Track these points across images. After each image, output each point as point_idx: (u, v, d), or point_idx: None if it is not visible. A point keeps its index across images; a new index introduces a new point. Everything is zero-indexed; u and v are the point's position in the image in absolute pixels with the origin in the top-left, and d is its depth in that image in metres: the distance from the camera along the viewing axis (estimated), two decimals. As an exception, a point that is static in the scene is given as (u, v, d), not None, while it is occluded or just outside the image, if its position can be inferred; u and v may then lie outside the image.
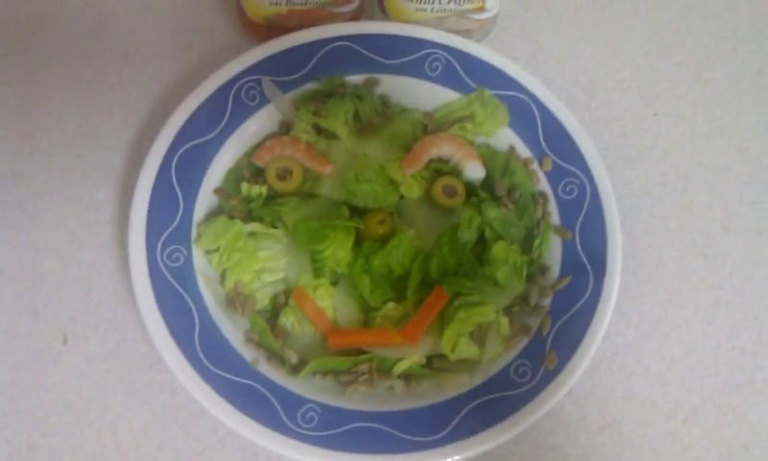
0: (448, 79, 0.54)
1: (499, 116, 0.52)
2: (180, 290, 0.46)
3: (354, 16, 0.57)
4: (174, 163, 0.49)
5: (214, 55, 0.59)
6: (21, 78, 0.57)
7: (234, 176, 0.51)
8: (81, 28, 0.59)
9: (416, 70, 0.54)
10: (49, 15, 0.60)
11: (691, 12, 0.63)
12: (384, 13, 0.56)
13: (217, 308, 0.47)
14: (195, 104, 0.51)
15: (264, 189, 0.49)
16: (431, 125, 0.53)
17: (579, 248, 0.49)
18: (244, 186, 0.49)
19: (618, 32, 0.62)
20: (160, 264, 0.46)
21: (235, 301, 0.47)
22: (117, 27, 0.60)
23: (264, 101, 0.53)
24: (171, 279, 0.46)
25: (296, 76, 0.53)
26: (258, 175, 0.51)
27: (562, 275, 0.48)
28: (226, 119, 0.51)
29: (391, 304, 0.48)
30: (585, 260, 0.48)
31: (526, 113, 0.53)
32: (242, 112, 0.52)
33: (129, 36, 0.59)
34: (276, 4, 0.54)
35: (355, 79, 0.54)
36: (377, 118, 0.52)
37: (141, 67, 0.58)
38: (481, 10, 0.55)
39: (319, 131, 0.52)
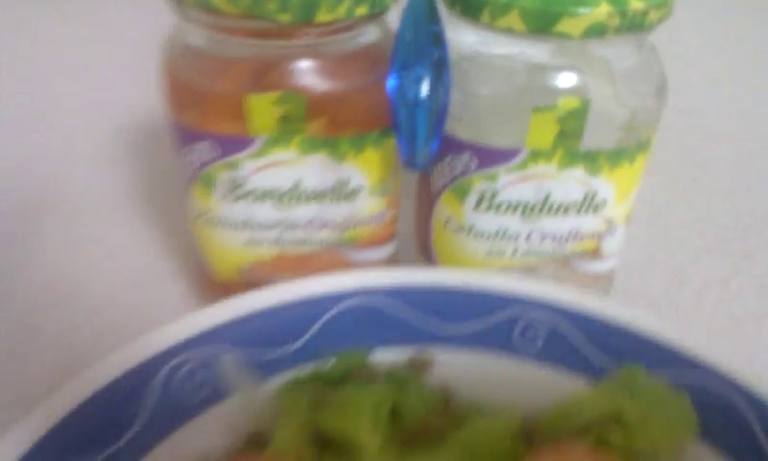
0: (557, 355, 0.30)
1: (678, 418, 0.27)
2: None
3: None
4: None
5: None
6: None
7: None
8: None
9: (497, 342, 0.30)
10: None
11: None
12: (430, 261, 0.35)
13: None
14: (80, 397, 0.26)
15: None
16: (539, 437, 0.27)
17: None
18: None
19: None
20: None
21: None
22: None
23: (216, 395, 0.28)
24: None
25: (280, 352, 0.29)
26: None
27: None
28: (139, 425, 0.26)
29: None
30: None
31: (727, 414, 0.27)
32: (173, 414, 0.27)
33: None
34: (257, 243, 0.33)
35: (390, 356, 0.30)
36: (436, 418, 0.27)
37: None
38: (595, 255, 0.34)
39: (323, 441, 0.26)
